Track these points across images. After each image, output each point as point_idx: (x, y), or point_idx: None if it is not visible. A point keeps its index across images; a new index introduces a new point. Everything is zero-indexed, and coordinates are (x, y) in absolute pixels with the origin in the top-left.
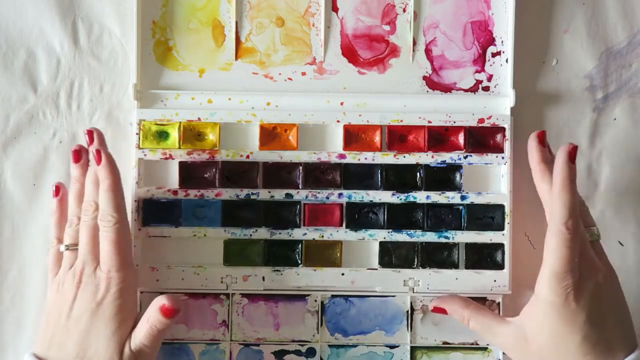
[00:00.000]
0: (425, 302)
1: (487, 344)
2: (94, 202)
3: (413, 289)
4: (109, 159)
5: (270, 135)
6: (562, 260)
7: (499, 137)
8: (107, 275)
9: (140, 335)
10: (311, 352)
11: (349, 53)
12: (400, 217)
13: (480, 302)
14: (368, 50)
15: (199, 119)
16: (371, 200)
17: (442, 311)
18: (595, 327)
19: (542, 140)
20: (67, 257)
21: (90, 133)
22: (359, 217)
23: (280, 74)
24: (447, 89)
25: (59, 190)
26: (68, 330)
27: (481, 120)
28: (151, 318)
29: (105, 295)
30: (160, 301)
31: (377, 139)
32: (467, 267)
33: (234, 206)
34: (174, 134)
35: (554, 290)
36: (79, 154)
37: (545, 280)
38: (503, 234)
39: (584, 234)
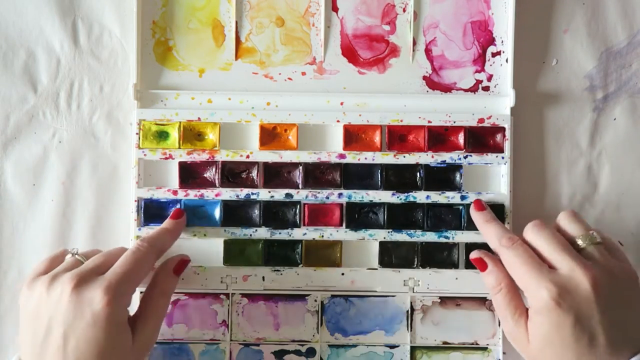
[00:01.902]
0: (425, 302)
1: (487, 344)
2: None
3: (413, 288)
4: (182, 223)
5: (270, 135)
6: (522, 272)
7: (499, 137)
8: (106, 288)
9: (149, 330)
10: (311, 352)
11: (349, 53)
12: (400, 217)
13: (480, 302)
14: (368, 50)
15: (199, 118)
16: (371, 200)
17: (483, 264)
18: (588, 330)
19: (480, 207)
20: (69, 261)
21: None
22: (359, 217)
23: (280, 73)
24: (447, 88)
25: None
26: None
27: (481, 120)
28: (161, 289)
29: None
30: (168, 264)
31: (377, 139)
32: (467, 267)
33: (234, 206)
34: (174, 134)
35: (536, 299)
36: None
37: (526, 293)
38: None
39: (556, 240)
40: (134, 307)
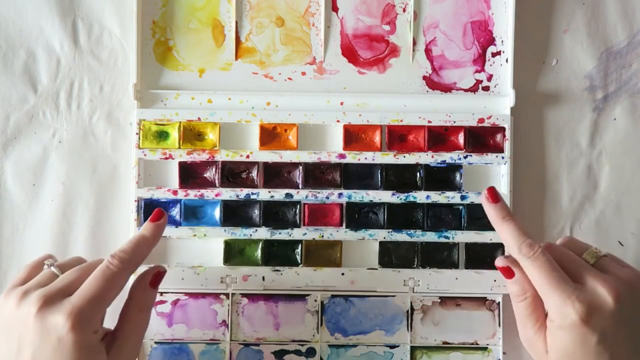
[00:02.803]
0: (425, 302)
1: (487, 344)
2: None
3: (413, 288)
4: (163, 226)
5: (270, 135)
6: (546, 285)
7: (499, 137)
8: (72, 316)
9: (129, 347)
10: (311, 352)
11: (349, 53)
12: (400, 217)
13: (480, 302)
14: (368, 50)
15: (199, 118)
16: (371, 200)
17: (510, 272)
18: (610, 346)
19: (495, 198)
20: (45, 274)
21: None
22: (359, 217)
23: (280, 73)
24: (447, 88)
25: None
26: None
27: (481, 120)
28: (138, 304)
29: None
30: (144, 278)
31: (377, 138)
32: (467, 267)
33: (234, 206)
34: (174, 134)
35: (561, 316)
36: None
37: (548, 305)
38: None
39: (576, 258)
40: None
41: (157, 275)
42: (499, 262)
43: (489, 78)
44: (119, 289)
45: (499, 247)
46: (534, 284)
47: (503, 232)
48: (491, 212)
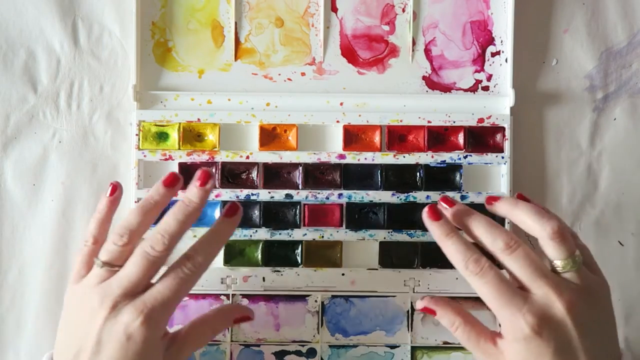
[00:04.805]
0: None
1: None
2: (169, 238)
3: (413, 289)
4: (237, 222)
5: (270, 135)
6: (495, 302)
7: (498, 136)
8: (144, 315)
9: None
10: (312, 352)
11: (349, 53)
12: (400, 217)
13: (480, 302)
14: (367, 51)
15: (198, 119)
16: (371, 200)
17: (431, 312)
18: (566, 354)
19: (436, 216)
20: (100, 273)
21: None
22: (359, 217)
23: (279, 74)
24: (446, 88)
25: (115, 189)
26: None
27: (481, 120)
28: (212, 328)
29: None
30: (232, 313)
31: (377, 139)
32: None
33: None
34: (174, 135)
35: (513, 329)
36: (176, 180)
37: (501, 321)
38: None
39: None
40: None
41: (243, 319)
42: (418, 306)
43: (489, 78)
44: (189, 290)
45: None
46: (484, 300)
47: (448, 249)
48: (434, 230)
